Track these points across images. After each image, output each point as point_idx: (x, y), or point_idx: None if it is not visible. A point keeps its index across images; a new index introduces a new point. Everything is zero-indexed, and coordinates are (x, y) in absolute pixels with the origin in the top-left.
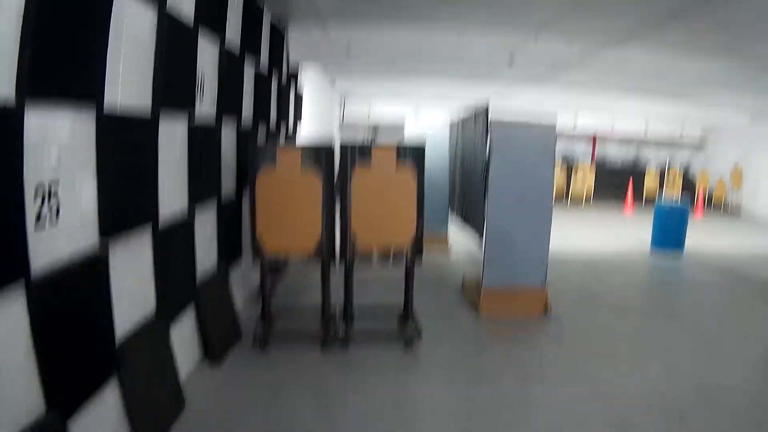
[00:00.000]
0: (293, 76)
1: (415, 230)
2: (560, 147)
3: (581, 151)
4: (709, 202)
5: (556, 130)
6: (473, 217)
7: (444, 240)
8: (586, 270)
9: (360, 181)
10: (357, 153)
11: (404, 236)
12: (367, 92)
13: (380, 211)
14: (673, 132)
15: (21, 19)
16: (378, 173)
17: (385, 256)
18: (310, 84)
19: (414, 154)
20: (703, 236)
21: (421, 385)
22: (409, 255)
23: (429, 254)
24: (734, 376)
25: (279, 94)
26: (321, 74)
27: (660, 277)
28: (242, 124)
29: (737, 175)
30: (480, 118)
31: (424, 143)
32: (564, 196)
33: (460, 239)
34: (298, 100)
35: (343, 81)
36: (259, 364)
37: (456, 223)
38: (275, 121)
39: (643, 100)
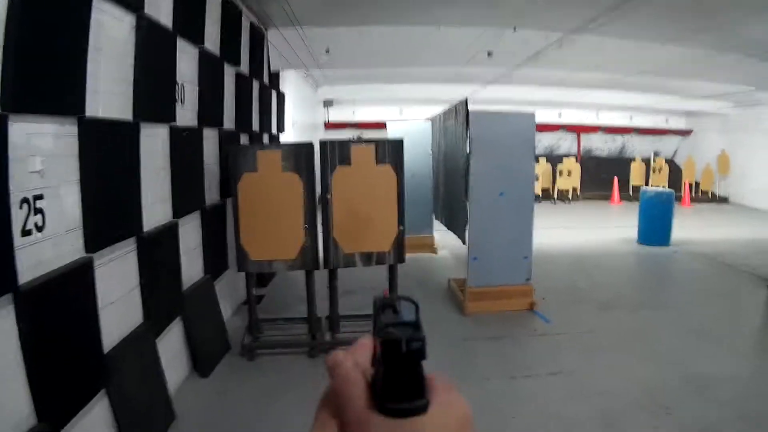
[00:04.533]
0: (275, 82)
1: (397, 230)
2: (545, 142)
3: (566, 146)
4: (697, 190)
5: (535, 122)
6: (456, 216)
7: (429, 241)
8: (573, 265)
9: (340, 181)
10: (337, 150)
11: (387, 237)
12: (350, 98)
13: (361, 211)
14: (658, 122)
15: (2, 31)
16: (358, 171)
17: (367, 259)
18: (293, 90)
19: (392, 150)
20: (690, 225)
21: None
22: (392, 256)
23: (415, 255)
24: (721, 367)
25: (260, 99)
26: (303, 80)
27: (647, 269)
28: (224, 129)
29: (724, 162)
30: (460, 112)
31: (402, 138)
32: (551, 191)
33: (445, 239)
34: (281, 105)
35: (326, 87)
36: (247, 375)
37: (440, 223)
38: (258, 126)
39: (626, 93)
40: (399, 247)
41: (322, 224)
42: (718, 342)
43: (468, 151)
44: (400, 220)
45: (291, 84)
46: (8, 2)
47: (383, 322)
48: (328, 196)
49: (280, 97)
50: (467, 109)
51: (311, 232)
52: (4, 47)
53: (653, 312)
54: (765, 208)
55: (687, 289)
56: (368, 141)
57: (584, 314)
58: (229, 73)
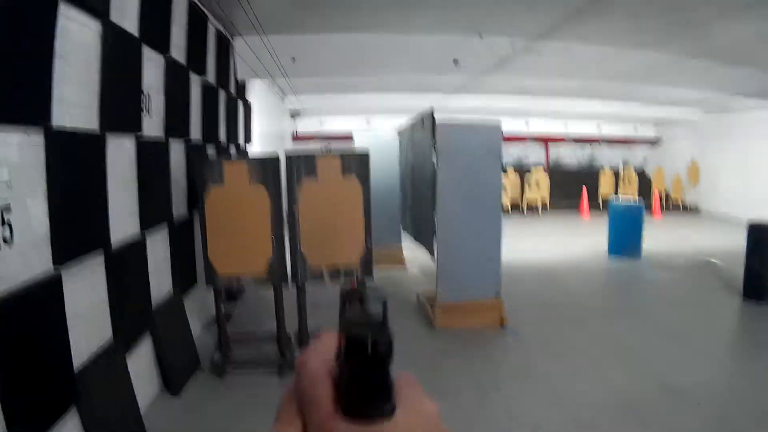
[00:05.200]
0: (241, 92)
1: (364, 242)
2: (513, 153)
3: (534, 156)
4: (667, 202)
5: (503, 133)
6: (424, 228)
7: (398, 255)
8: (543, 279)
9: (307, 194)
10: (302, 163)
11: (354, 251)
12: (318, 108)
13: (328, 224)
14: (627, 131)
15: None
16: (324, 184)
17: (336, 273)
18: (260, 100)
19: (358, 162)
20: (661, 236)
21: None
22: (359, 271)
23: (384, 270)
24: (697, 375)
25: (227, 109)
26: (270, 90)
27: (618, 281)
28: (191, 140)
29: (694, 171)
30: (426, 123)
31: (368, 150)
32: (520, 203)
33: (414, 253)
34: (248, 115)
35: (292, 97)
36: (218, 393)
37: (408, 236)
38: (225, 137)
39: (594, 101)
40: (367, 260)
41: (289, 238)
42: (693, 350)
43: (435, 162)
44: (368, 234)
45: (257, 94)
46: None
47: (348, 319)
48: (295, 209)
49: (247, 108)
50: (433, 120)
51: (279, 246)
52: None
53: (626, 322)
54: (736, 216)
55: (659, 300)
56: (334, 153)
57: (555, 327)
58: (195, 83)
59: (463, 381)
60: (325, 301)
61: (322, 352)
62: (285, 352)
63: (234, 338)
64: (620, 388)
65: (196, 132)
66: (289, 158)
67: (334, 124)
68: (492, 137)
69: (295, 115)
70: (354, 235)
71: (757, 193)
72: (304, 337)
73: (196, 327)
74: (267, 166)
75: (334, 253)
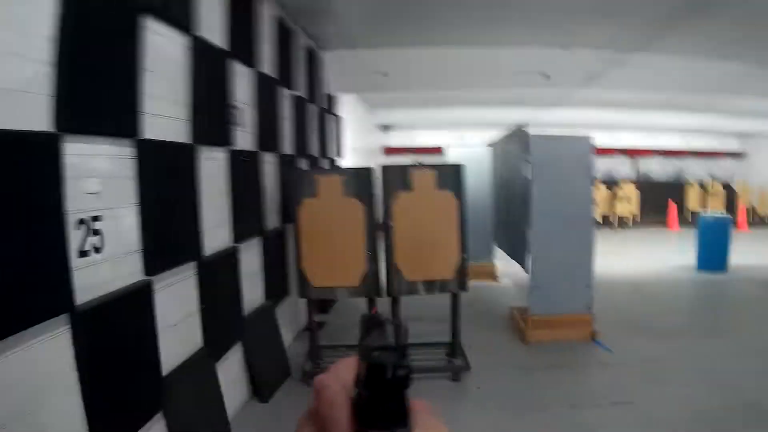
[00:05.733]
0: (332, 105)
1: (460, 257)
2: (602, 167)
3: (623, 169)
4: (753, 215)
5: (593, 145)
6: (517, 243)
7: (490, 268)
8: (632, 292)
9: (402, 206)
10: (397, 175)
11: (449, 265)
12: (408, 122)
13: (423, 238)
14: (712, 144)
15: (54, 50)
16: (419, 196)
17: (430, 287)
18: (351, 115)
19: (453, 175)
20: (748, 250)
21: (469, 416)
22: (455, 284)
23: (476, 283)
24: None
25: (319, 123)
26: (360, 105)
27: (707, 296)
28: (283, 153)
29: None
30: (518, 137)
31: (463, 163)
32: (609, 217)
33: (506, 268)
34: (339, 129)
35: (383, 112)
36: (307, 401)
37: (500, 250)
38: (317, 151)
39: (679, 114)
40: (462, 274)
41: (385, 251)
42: None
43: (529, 176)
44: (463, 247)
45: (348, 108)
46: (60, 21)
47: (369, 345)
48: (390, 222)
49: (338, 121)
50: (526, 134)
51: (373, 258)
52: (58, 66)
53: (715, 340)
54: None
55: (748, 316)
56: (429, 166)
57: (645, 342)
58: (285, 96)
59: (551, 396)
60: (418, 313)
61: (342, 376)
62: None
63: (325, 348)
64: (709, 409)
65: (288, 146)
66: (385, 170)
67: (425, 138)
68: (583, 150)
69: (385, 128)
70: (449, 249)
71: None
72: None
73: (287, 336)
74: (361, 179)
75: (429, 267)
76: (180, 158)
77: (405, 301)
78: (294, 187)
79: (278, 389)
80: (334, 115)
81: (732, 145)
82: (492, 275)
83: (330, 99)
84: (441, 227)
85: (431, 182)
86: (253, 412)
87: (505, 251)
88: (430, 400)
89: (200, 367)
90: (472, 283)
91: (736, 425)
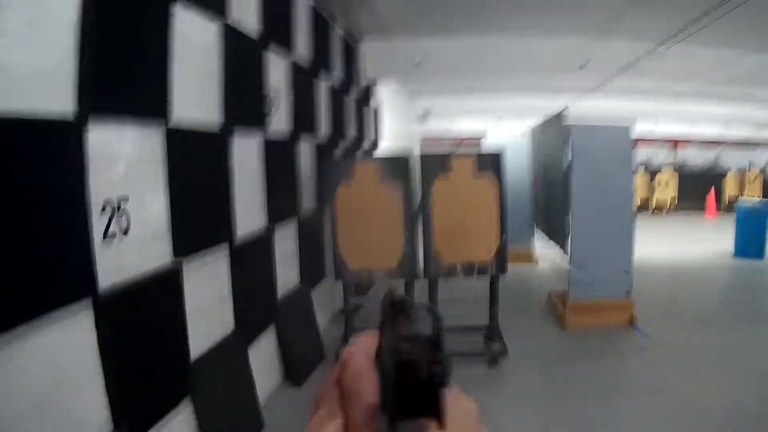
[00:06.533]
0: (369, 93)
1: (499, 240)
2: (641, 154)
3: (662, 157)
4: None
5: (633, 134)
6: (557, 227)
7: (529, 253)
8: (671, 279)
9: (440, 192)
10: (436, 162)
11: (488, 248)
12: (446, 110)
13: (462, 222)
14: (751, 133)
15: (78, 32)
16: (458, 183)
17: (469, 270)
18: (388, 100)
19: (492, 161)
20: None
21: (505, 402)
22: (493, 269)
23: (514, 268)
24: None
25: (355, 110)
26: (398, 91)
27: (745, 284)
28: (319, 139)
29: None
30: (557, 124)
31: (502, 149)
32: (648, 203)
33: (545, 252)
34: (376, 117)
35: (422, 99)
36: (326, 373)
37: (539, 235)
38: (354, 136)
39: (718, 103)
40: (501, 257)
41: (423, 234)
42: None
43: (568, 163)
44: (503, 230)
45: (385, 96)
46: (82, 2)
47: (396, 335)
48: (428, 207)
49: (375, 109)
50: (565, 121)
51: (411, 242)
52: (81, 48)
53: (753, 327)
54: None
55: None
56: (468, 153)
57: (682, 329)
58: (321, 83)
59: (589, 384)
60: (455, 296)
61: (366, 349)
62: None
63: (360, 331)
64: (745, 399)
65: (324, 132)
66: (423, 157)
67: (463, 126)
68: (623, 138)
69: (424, 115)
70: (488, 233)
71: None
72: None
73: (323, 320)
74: (398, 165)
75: (468, 250)
76: (210, 142)
77: (442, 284)
78: (332, 172)
79: (312, 373)
80: (371, 102)
81: None
82: (531, 259)
83: (367, 88)
84: (480, 212)
85: (470, 168)
86: (286, 396)
87: (545, 235)
88: (466, 386)
89: (231, 351)
90: (511, 266)
91: None
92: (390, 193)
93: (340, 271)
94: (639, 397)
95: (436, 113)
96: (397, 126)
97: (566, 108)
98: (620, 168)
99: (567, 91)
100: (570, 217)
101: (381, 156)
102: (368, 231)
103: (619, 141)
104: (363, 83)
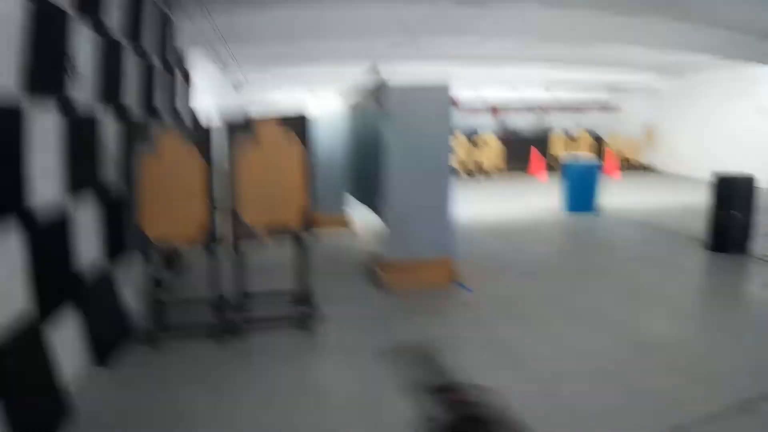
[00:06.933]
0: (180, 62)
1: (305, 203)
2: (463, 120)
3: (485, 123)
4: (626, 163)
5: (451, 95)
6: (373, 191)
7: (343, 219)
8: (500, 238)
9: (245, 158)
10: (240, 129)
11: (294, 210)
12: (263, 80)
13: (268, 185)
14: (580, 97)
15: None
16: (263, 147)
17: (276, 231)
18: (201, 72)
19: (298, 125)
20: (618, 195)
21: (321, 369)
22: (300, 231)
23: (330, 235)
24: (662, 330)
25: (167, 80)
26: (211, 61)
27: (575, 238)
28: (125, 111)
29: (650, 134)
30: (373, 87)
31: (306, 113)
32: (472, 168)
33: (362, 218)
34: (188, 86)
35: (236, 69)
36: (151, 362)
37: (355, 201)
38: (163, 108)
39: (546, 66)
40: (307, 218)
41: (229, 199)
42: (657, 304)
43: (384, 125)
44: (308, 194)
45: (198, 65)
46: None
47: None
48: (234, 172)
49: (186, 79)
50: (381, 84)
51: (212, 208)
52: None
53: (586, 279)
54: (692, 175)
55: (621, 255)
56: (274, 117)
57: (511, 284)
58: (129, 50)
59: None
60: (264, 266)
61: None
62: (222, 315)
63: (169, 305)
64: (585, 347)
65: (131, 102)
66: (227, 123)
67: (282, 96)
68: (440, 98)
69: (237, 86)
70: (294, 195)
71: (714, 153)
72: (242, 300)
73: (131, 296)
74: (201, 133)
75: (273, 212)
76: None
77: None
78: (134, 142)
79: (120, 352)
80: (183, 72)
81: (602, 97)
82: (346, 224)
83: (177, 55)
84: (286, 176)
85: (276, 132)
86: (93, 378)
87: (361, 201)
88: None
89: (26, 332)
90: (327, 233)
91: (618, 361)
92: (192, 161)
93: (140, 243)
94: (470, 353)
95: (254, 86)
96: (211, 98)
97: (379, 70)
98: (437, 127)
99: (387, 57)
100: (384, 177)
101: (184, 124)
102: (171, 201)
103: (436, 100)
104: (176, 55)
